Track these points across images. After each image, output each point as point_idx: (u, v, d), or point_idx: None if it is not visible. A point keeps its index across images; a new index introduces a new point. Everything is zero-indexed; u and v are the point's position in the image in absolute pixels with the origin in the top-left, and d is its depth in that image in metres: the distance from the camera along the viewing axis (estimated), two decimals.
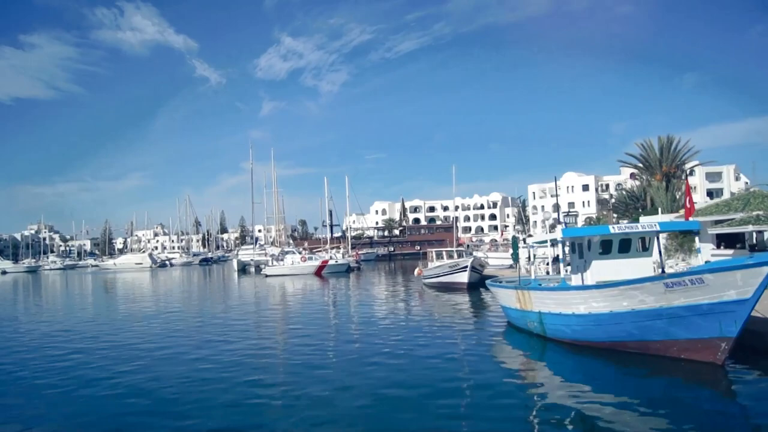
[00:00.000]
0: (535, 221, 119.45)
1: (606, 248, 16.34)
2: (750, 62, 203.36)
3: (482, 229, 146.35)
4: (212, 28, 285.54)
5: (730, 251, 29.93)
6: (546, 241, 20.12)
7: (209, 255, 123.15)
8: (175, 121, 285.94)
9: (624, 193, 77.02)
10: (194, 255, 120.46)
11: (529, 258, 34.26)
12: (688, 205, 18.53)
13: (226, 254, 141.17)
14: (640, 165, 44.30)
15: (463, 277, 34.76)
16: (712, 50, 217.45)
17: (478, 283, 35.87)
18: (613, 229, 15.86)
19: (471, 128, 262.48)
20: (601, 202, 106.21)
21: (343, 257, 68.08)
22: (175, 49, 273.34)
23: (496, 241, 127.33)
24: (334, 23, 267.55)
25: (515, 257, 42.21)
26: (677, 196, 41.66)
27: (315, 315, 27.88)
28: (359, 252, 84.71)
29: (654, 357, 13.68)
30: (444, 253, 40.77)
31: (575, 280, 16.75)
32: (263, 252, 79.56)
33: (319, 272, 59.14)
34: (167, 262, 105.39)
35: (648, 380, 12.70)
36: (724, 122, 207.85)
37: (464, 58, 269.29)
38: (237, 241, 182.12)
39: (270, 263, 67.71)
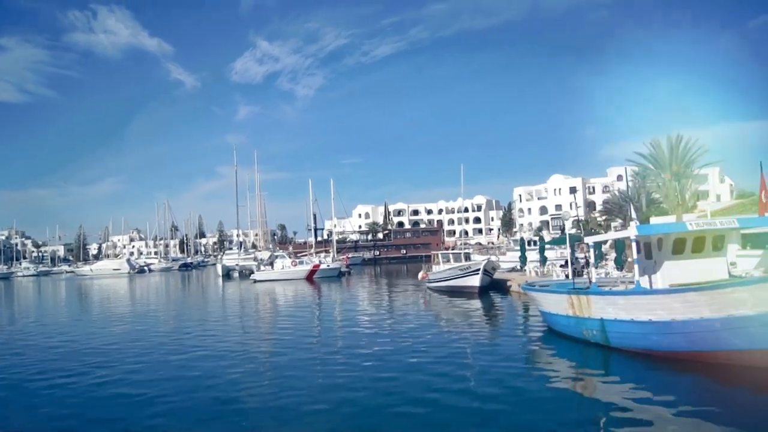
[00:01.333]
0: (522, 224, 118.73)
1: (679, 247, 14.65)
2: (722, 69, 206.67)
3: (467, 233, 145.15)
4: (187, 31, 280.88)
5: (759, 251, 28.76)
6: (606, 241, 18.32)
7: (188, 260, 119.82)
8: (150, 126, 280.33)
9: (617, 194, 76.32)
10: (173, 260, 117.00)
11: (586, 260, 32.47)
12: (764, 200, 16.96)
13: (206, 259, 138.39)
14: (650, 165, 43.11)
15: (475, 281, 32.93)
16: (684, 57, 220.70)
17: (488, 287, 34.15)
18: (690, 225, 14.18)
19: (449, 132, 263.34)
20: (589, 205, 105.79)
21: (333, 261, 65.95)
22: (149, 52, 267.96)
23: (481, 244, 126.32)
24: (310, 27, 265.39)
25: (523, 259, 40.93)
26: (687, 196, 40.47)
27: (315, 326, 25.52)
28: (348, 256, 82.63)
29: (748, 369, 11.97)
30: (451, 255, 38.97)
31: (643, 282, 15.05)
32: (249, 256, 77.02)
33: (310, 277, 56.97)
34: (146, 268, 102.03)
35: (750, 397, 11.02)
36: (699, 127, 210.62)
37: (441, 63, 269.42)
38: (215, 246, 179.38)
39: (257, 268, 65.64)
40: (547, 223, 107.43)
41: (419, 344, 18.14)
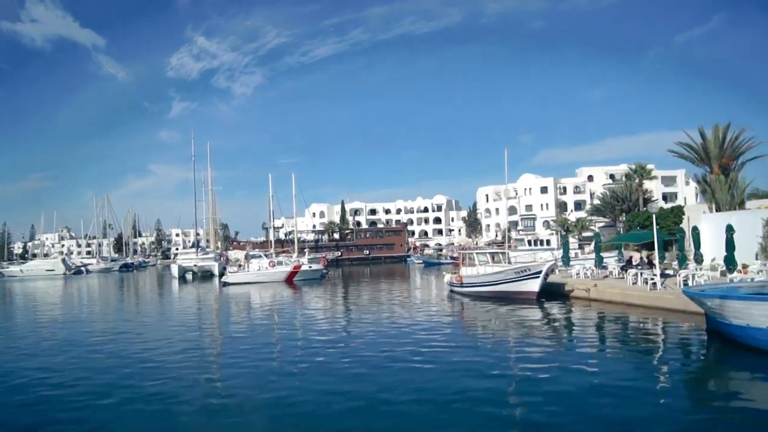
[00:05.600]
0: (488, 224, 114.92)
1: None
2: (652, 80, 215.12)
3: (426, 233, 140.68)
4: (120, 23, 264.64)
5: None
6: None
7: (129, 261, 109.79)
8: (78, 120, 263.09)
9: (608, 193, 73.23)
10: (112, 261, 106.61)
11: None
12: None
13: (146, 260, 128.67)
14: (695, 156, 39.03)
15: (534, 286, 27.32)
16: (617, 66, 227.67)
17: (542, 293, 28.57)
18: None
19: (388, 133, 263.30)
20: (560, 205, 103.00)
21: (310, 262, 59.34)
22: (80, 44, 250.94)
23: (440, 245, 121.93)
24: (249, 25, 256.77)
25: (566, 261, 35.91)
26: (736, 192, 36.46)
27: (337, 348, 17.69)
28: (326, 256, 75.89)
29: None
30: (489, 255, 33.25)
31: None
32: (208, 256, 69.10)
33: (290, 279, 50.20)
34: (83, 269, 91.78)
35: None
36: (629, 134, 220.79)
37: (381, 65, 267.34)
38: (153, 246, 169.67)
39: (222, 268, 59.26)
40: (516, 223, 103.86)
41: (543, 396, 11.36)
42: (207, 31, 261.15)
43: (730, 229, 23.61)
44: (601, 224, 76.14)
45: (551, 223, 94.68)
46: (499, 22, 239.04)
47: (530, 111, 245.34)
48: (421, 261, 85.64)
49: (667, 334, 18.16)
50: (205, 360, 16.97)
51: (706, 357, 15.16)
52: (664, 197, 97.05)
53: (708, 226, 31.63)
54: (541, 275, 27.23)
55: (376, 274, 66.39)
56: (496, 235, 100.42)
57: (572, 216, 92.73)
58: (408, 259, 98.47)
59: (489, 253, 33.91)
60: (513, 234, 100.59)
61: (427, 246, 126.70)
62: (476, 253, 34.43)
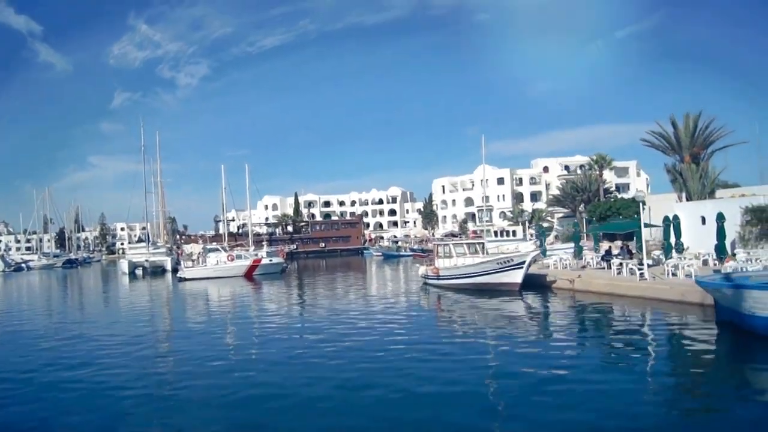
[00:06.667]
0: (444, 216, 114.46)
1: None
2: (595, 75, 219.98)
3: (381, 225, 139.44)
4: (59, 10, 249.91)
5: None
6: None
7: (72, 256, 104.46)
8: (11, 111, 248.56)
9: (567, 184, 73.44)
10: (55, 256, 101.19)
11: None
12: None
13: (91, 255, 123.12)
14: (667, 145, 38.80)
15: (518, 277, 26.32)
16: (564, 59, 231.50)
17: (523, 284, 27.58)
18: None
19: (334, 125, 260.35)
20: (516, 196, 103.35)
21: (268, 255, 57.11)
22: (14, 30, 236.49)
23: (396, 237, 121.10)
24: (194, 13, 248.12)
25: (544, 251, 35.13)
26: (707, 181, 36.37)
27: (319, 347, 16.04)
28: (284, 249, 73.54)
29: None
30: (466, 246, 31.98)
31: None
32: (160, 251, 65.93)
33: (249, 274, 48.07)
34: (23, 265, 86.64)
35: None
36: (574, 127, 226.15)
37: (329, 57, 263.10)
38: (97, 241, 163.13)
39: (175, 263, 57.07)
40: (473, 215, 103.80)
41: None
42: (150, 18, 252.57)
43: (720, 218, 23.14)
44: (561, 215, 76.46)
45: (508, 213, 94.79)
46: (447, 14, 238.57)
47: (477, 103, 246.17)
48: (380, 253, 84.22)
49: (673, 327, 17.23)
50: (168, 360, 15.62)
51: (724, 350, 14.32)
52: (617, 188, 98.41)
53: (682, 214, 31.38)
54: (525, 266, 26.28)
55: (335, 267, 64.74)
56: (460, 227, 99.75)
57: (530, 207, 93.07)
58: (366, 251, 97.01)
59: (466, 244, 32.76)
60: (470, 225, 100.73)
61: (382, 238, 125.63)
62: (453, 243, 33.25)
